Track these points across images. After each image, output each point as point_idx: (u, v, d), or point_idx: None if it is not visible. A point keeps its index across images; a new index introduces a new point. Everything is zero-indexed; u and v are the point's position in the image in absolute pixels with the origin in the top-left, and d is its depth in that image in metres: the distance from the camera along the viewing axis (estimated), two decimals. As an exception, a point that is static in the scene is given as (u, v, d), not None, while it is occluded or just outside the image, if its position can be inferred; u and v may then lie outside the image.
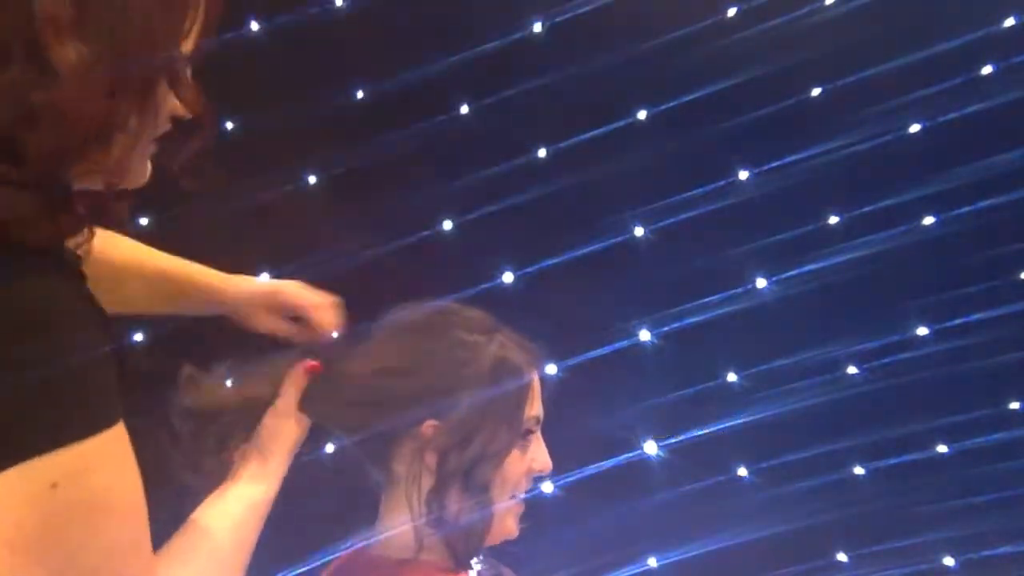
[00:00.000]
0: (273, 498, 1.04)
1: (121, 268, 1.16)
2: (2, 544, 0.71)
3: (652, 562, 2.39)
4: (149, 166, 0.85)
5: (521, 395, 1.16)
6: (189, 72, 0.83)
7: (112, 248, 1.12)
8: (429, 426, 1.12)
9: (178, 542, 0.96)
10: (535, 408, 1.18)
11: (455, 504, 1.11)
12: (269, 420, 1.08)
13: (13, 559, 0.71)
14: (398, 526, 1.14)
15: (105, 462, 0.76)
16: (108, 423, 0.75)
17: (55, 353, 0.72)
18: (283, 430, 1.07)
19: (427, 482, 1.12)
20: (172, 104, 0.83)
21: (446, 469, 1.11)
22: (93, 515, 0.75)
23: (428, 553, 1.13)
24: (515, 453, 1.15)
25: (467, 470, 1.11)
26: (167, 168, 0.86)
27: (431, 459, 1.12)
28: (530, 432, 1.17)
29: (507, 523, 1.17)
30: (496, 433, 1.12)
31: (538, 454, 1.18)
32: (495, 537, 1.17)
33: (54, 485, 0.72)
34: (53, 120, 0.72)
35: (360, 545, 1.18)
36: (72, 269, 0.78)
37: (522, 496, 1.19)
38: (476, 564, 1.16)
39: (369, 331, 1.18)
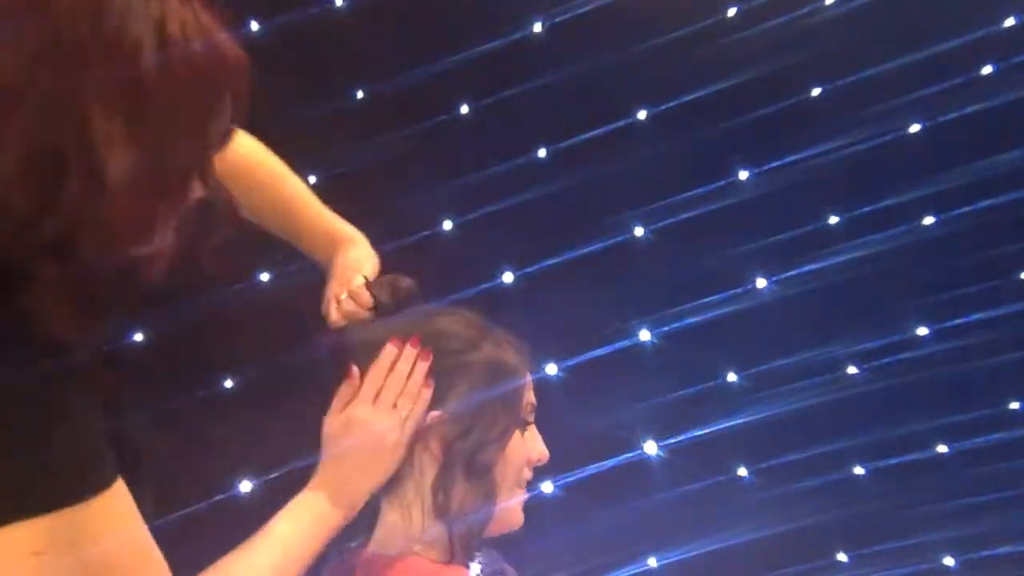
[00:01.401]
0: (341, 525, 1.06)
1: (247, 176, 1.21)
2: None
3: (652, 562, 2.39)
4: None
5: (517, 383, 1.18)
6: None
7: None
8: (434, 416, 1.13)
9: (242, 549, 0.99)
10: (530, 396, 1.21)
11: (460, 490, 1.13)
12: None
13: None
14: (398, 522, 1.15)
15: (93, 529, 0.72)
16: (92, 490, 0.72)
17: (33, 426, 0.70)
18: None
19: (432, 471, 1.14)
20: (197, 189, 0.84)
21: (451, 456, 1.13)
22: None
23: (426, 548, 1.14)
24: (516, 439, 1.17)
25: (471, 455, 1.13)
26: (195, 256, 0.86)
27: (436, 448, 1.14)
28: (527, 421, 1.20)
29: (512, 514, 1.19)
30: (497, 418, 1.15)
31: (535, 444, 1.21)
32: (501, 527, 1.18)
33: (36, 553, 0.69)
34: (104, 228, 0.72)
35: (355, 545, 1.19)
36: (74, 363, 0.75)
37: (526, 486, 1.20)
38: (476, 565, 1.16)
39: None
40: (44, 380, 0.72)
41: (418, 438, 1.13)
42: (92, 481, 0.72)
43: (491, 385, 1.15)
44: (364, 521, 1.17)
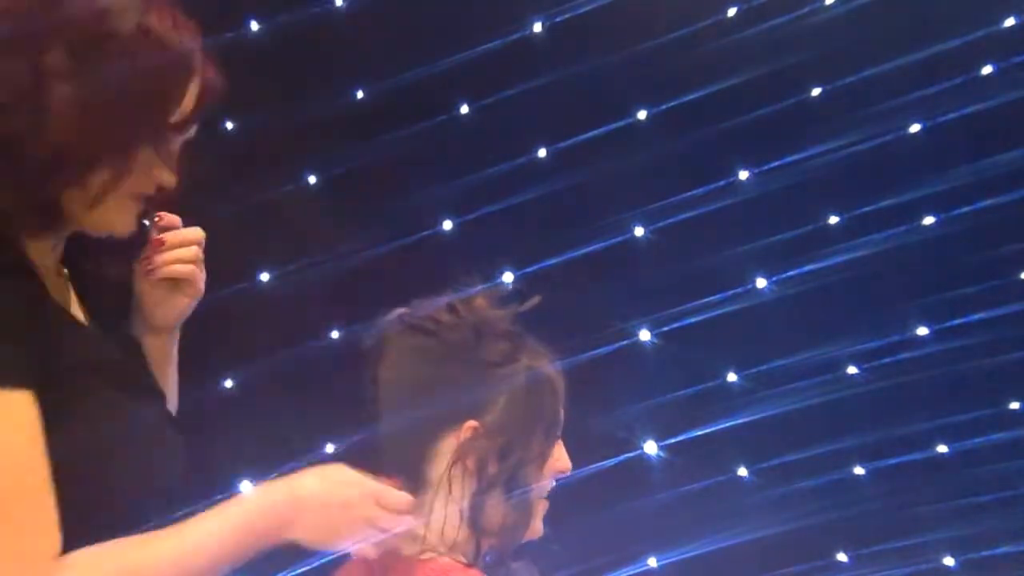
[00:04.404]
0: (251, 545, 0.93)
1: None
2: None
3: (652, 562, 2.39)
4: (131, 221, 0.96)
5: (557, 400, 1.17)
6: (175, 145, 0.94)
7: None
8: (469, 427, 1.12)
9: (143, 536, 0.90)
10: (561, 408, 1.20)
11: (495, 506, 1.12)
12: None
13: None
14: (423, 527, 1.13)
15: None
16: None
17: None
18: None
19: (468, 484, 1.12)
20: (159, 171, 0.93)
21: (487, 473, 1.12)
22: None
23: (449, 551, 1.13)
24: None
25: (510, 475, 1.12)
26: None
27: (472, 465, 1.12)
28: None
29: (535, 524, 1.18)
30: (533, 437, 1.13)
31: (560, 455, 1.20)
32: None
33: None
34: (49, 145, 0.85)
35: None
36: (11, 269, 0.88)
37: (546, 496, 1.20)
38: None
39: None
40: None
41: (456, 455, 1.11)
42: None
43: (531, 399, 1.13)
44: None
